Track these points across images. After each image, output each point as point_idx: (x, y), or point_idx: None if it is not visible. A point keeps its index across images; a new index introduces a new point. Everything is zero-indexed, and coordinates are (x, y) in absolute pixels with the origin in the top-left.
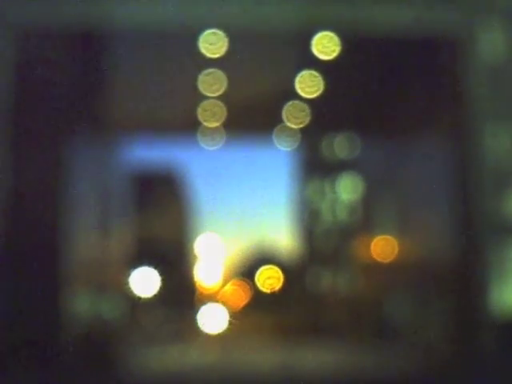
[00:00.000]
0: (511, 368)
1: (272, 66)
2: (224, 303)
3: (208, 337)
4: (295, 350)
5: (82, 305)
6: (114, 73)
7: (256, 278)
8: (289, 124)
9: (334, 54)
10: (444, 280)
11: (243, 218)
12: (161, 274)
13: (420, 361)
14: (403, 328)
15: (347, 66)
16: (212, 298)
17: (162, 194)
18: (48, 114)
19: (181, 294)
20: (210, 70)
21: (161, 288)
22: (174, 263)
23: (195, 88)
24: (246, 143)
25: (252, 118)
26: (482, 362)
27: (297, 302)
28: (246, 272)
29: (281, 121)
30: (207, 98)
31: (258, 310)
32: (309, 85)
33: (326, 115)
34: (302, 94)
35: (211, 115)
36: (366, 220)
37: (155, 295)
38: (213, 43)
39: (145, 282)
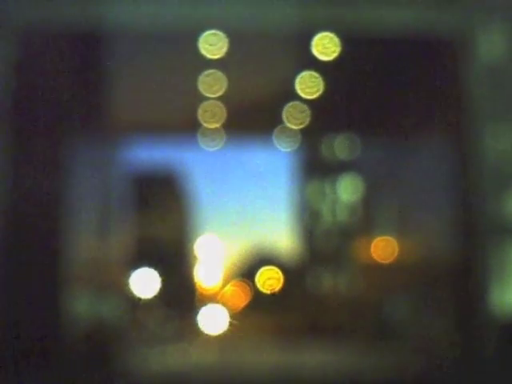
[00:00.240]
0: (511, 368)
1: (272, 67)
2: (224, 304)
3: (208, 337)
4: (295, 351)
5: (82, 305)
6: (114, 74)
7: (256, 279)
8: (289, 125)
9: (334, 55)
10: (444, 281)
11: (243, 219)
12: (161, 275)
13: (420, 361)
14: (403, 329)
15: (347, 66)
16: (212, 298)
17: (163, 195)
18: (48, 115)
19: (181, 294)
20: (210, 71)
21: (161, 289)
22: (175, 264)
23: (195, 89)
24: (246, 144)
25: (252, 119)
26: (482, 362)
27: (297, 303)
28: (246, 273)
29: (281, 121)
30: (207, 98)
31: (258, 310)
32: (309, 85)
33: (326, 116)
34: (302, 95)
35: (211, 116)
36: (366, 221)
37: (155, 296)
38: (213, 44)
39: (145, 282)
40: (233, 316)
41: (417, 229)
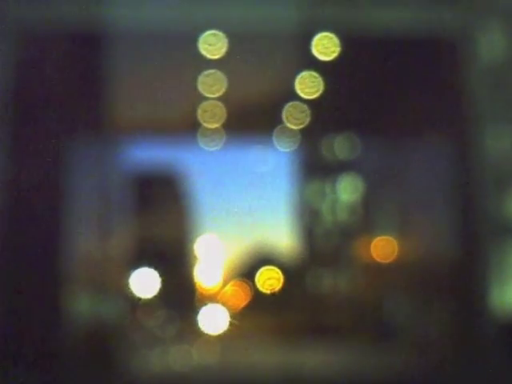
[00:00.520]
0: (511, 368)
1: (272, 67)
2: (224, 304)
3: (208, 337)
4: (295, 351)
5: (81, 305)
6: (113, 73)
7: (256, 279)
8: (289, 125)
9: (334, 55)
10: (444, 280)
11: (243, 219)
12: (161, 275)
13: (420, 361)
14: (403, 328)
15: (347, 66)
16: (212, 298)
17: (162, 195)
18: (48, 115)
19: (181, 294)
20: (210, 71)
21: (161, 289)
22: (175, 264)
23: (195, 89)
24: (246, 144)
25: (252, 119)
26: (482, 362)
27: (297, 303)
28: (246, 273)
29: (281, 122)
30: (207, 99)
31: (258, 310)
32: (309, 86)
33: (326, 116)
34: (302, 95)
35: (211, 116)
36: (366, 221)
37: (155, 296)
38: (213, 44)
39: (145, 282)
40: (233, 316)
41: (417, 229)
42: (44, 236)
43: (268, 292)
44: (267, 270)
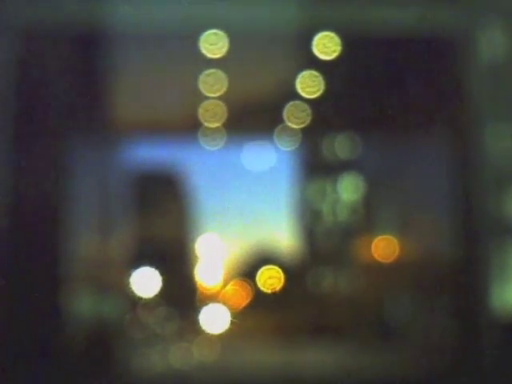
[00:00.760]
0: (511, 368)
1: (273, 67)
2: (225, 303)
3: (209, 337)
4: (296, 350)
5: (82, 305)
6: (114, 73)
7: (257, 279)
8: (290, 124)
9: (335, 54)
10: (445, 280)
11: (244, 219)
12: (162, 275)
13: (421, 361)
14: (404, 328)
15: (348, 66)
16: (213, 298)
17: (163, 195)
18: (48, 114)
19: (182, 294)
20: (211, 71)
21: (162, 288)
22: (175, 263)
23: (196, 88)
24: (246, 143)
25: (253, 119)
26: (482, 362)
27: (298, 302)
28: (247, 272)
29: (282, 121)
30: (208, 98)
31: (258, 310)
32: (310, 85)
33: (326, 115)
34: (303, 94)
35: (212, 115)
36: (367, 220)
37: (156, 295)
38: (213, 43)
39: (146, 282)
40: (234, 315)
41: (418, 228)
42: (44, 235)
43: (269, 291)
44: (268, 269)
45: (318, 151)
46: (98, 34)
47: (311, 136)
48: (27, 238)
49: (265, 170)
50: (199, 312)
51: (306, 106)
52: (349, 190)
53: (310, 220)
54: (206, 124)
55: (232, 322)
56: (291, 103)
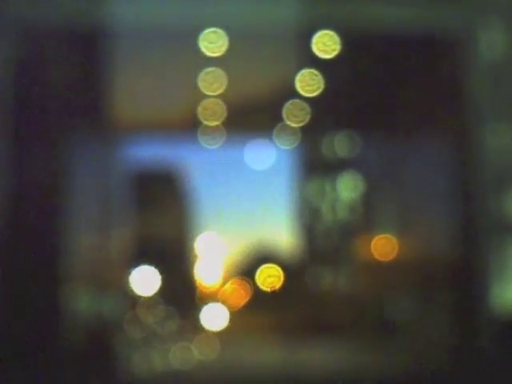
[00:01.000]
0: (511, 368)
1: (272, 65)
2: (224, 302)
3: (208, 335)
4: (296, 349)
5: (81, 303)
6: (113, 71)
7: (256, 277)
8: (289, 123)
9: (335, 53)
10: (444, 279)
11: (243, 217)
12: (161, 273)
13: (420, 360)
14: (403, 326)
15: (347, 64)
16: (212, 297)
17: (162, 193)
18: (48, 113)
19: (181, 292)
20: (211, 69)
21: (161, 287)
22: (175, 262)
23: (195, 87)
24: (246, 142)
25: (252, 117)
26: (482, 362)
27: (297, 301)
28: (247, 271)
29: (281, 119)
30: (207, 96)
31: (258, 308)
32: (309, 83)
33: (326, 114)
34: (303, 93)
35: (211, 114)
36: (366, 219)
37: (156, 294)
38: (213, 42)
39: (145, 280)
40: (233, 314)
41: (417, 227)
42: (44, 234)
43: (268, 290)
44: (267, 267)
45: (317, 150)
46: (98, 33)
47: (310, 134)
48: (27, 237)
49: (264, 168)
50: (198, 310)
51: (305, 105)
52: (348, 188)
53: (309, 219)
54: (205, 122)
55: (231, 321)
56: (290, 102)
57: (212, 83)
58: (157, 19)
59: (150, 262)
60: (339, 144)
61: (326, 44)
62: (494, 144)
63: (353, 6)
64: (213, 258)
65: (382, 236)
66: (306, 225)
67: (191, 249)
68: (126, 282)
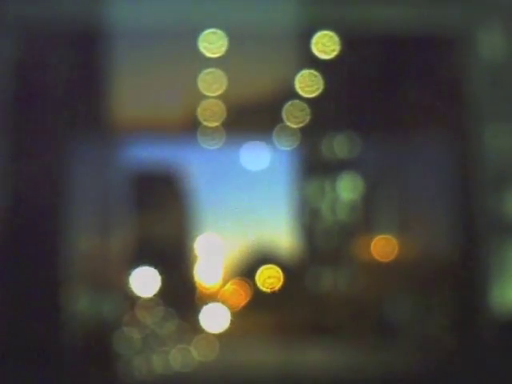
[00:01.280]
0: (511, 368)
1: (272, 66)
2: (224, 303)
3: (208, 336)
4: (296, 349)
5: (81, 304)
6: (113, 72)
7: (256, 278)
8: (288, 123)
9: (334, 54)
10: (444, 279)
11: (243, 218)
12: (161, 274)
13: (420, 360)
14: (403, 327)
15: (347, 65)
16: (212, 297)
17: (162, 194)
18: (48, 114)
19: (181, 293)
20: (210, 70)
21: (161, 288)
22: (175, 263)
23: (195, 87)
24: (245, 143)
25: (252, 118)
26: (482, 362)
27: (297, 302)
28: (246, 271)
29: (281, 120)
30: (207, 97)
31: (258, 309)
32: (309, 84)
33: (325, 115)
34: (302, 94)
35: (211, 115)
36: (366, 219)
37: (155, 295)
38: (212, 43)
39: (145, 281)
40: (233, 315)
41: (417, 228)
42: (44, 235)
43: (268, 291)
44: (267, 268)
45: (316, 150)
46: (97, 33)
47: (310, 135)
48: (27, 237)
49: (264, 169)
50: (198, 311)
51: (304, 106)
52: (348, 189)
53: (309, 219)
54: (204, 123)
55: (231, 322)
56: (290, 102)
57: (212, 84)
58: (156, 20)
59: (150, 263)
60: (339, 145)
61: (325, 45)
62: (494, 144)
63: (352, 6)
64: (213, 259)
65: (381, 236)
66: (305, 226)
67: (191, 250)
68: (126, 283)
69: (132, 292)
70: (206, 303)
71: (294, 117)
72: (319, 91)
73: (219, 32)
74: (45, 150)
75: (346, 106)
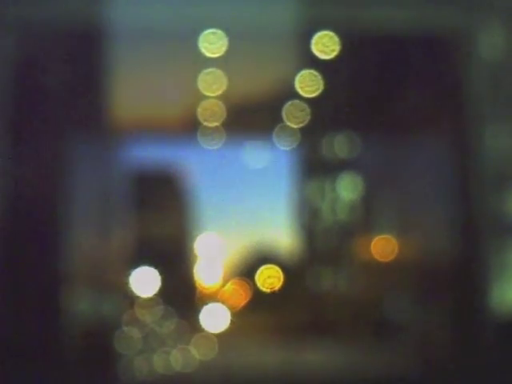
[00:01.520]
0: (511, 368)
1: (272, 66)
2: (224, 303)
3: (208, 336)
4: (295, 349)
5: (81, 304)
6: (113, 72)
7: (256, 278)
8: (289, 123)
9: (334, 54)
10: (444, 279)
11: (243, 218)
12: (161, 274)
13: (420, 360)
14: (403, 327)
15: (347, 65)
16: (212, 297)
17: (162, 194)
18: (48, 114)
19: (181, 293)
20: (210, 70)
21: (161, 287)
22: (175, 263)
23: (195, 87)
24: (245, 143)
25: (252, 118)
26: (482, 362)
27: (297, 302)
28: (246, 271)
29: (281, 120)
30: (207, 97)
31: (258, 309)
32: (309, 84)
33: (325, 115)
34: (302, 94)
35: (211, 115)
36: (366, 219)
37: (155, 295)
38: (212, 43)
39: (145, 281)
40: (233, 315)
41: (417, 228)
42: (43, 234)
43: (268, 291)
44: (267, 268)
45: (317, 150)
46: (97, 33)
47: (310, 135)
48: (27, 236)
49: (264, 169)
50: (198, 311)
51: (305, 106)
52: (348, 189)
53: (309, 219)
54: (204, 123)
55: (231, 322)
56: (290, 102)
57: (212, 84)
58: (156, 20)
59: (150, 263)
60: (339, 145)
61: (325, 45)
62: (494, 144)
63: (352, 6)
64: (212, 259)
65: (381, 236)
66: (305, 226)
67: (191, 249)
68: (126, 283)
69: (132, 292)
70: (206, 303)
71: (294, 117)
72: (319, 91)
73: (219, 32)
74: (44, 150)
75: (346, 106)
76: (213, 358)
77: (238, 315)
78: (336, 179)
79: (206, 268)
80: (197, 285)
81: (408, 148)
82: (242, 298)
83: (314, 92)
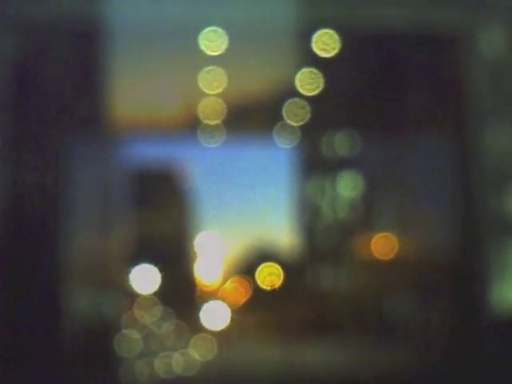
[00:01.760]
0: (511, 368)
1: (272, 64)
2: (224, 300)
3: (208, 334)
4: (296, 347)
5: (81, 303)
6: (112, 70)
7: (256, 275)
8: (289, 121)
9: (335, 52)
10: (444, 278)
11: (243, 216)
12: (161, 272)
13: (420, 359)
14: (403, 326)
15: (347, 63)
16: (212, 295)
17: (162, 192)
18: (47, 113)
19: (181, 291)
20: (210, 68)
21: (161, 285)
22: (175, 260)
23: (195, 85)
24: (246, 141)
25: (252, 116)
26: (482, 362)
27: (297, 299)
28: (246, 269)
29: (281, 118)
30: (207, 95)
31: (258, 307)
32: (309, 82)
33: (326, 113)
34: (302, 92)
35: (211, 113)
36: (366, 217)
37: (155, 292)
38: (213, 41)
39: (145, 279)
40: (233, 312)
41: (417, 226)
42: (43, 234)
43: (268, 288)
44: (267, 266)
45: (317, 149)
46: (97, 32)
47: (310, 133)
48: (26, 236)
49: (264, 167)
50: (198, 309)
51: (305, 104)
52: (348, 187)
53: (309, 217)
54: (205, 121)
55: (231, 319)
56: (290, 101)
57: (212, 82)
58: (156, 18)
59: (150, 261)
60: (339, 143)
61: (326, 43)
62: (494, 144)
63: (353, 4)
64: (213, 257)
65: (381, 235)
66: (305, 223)
67: (191, 247)
68: (126, 281)
69: (132, 290)
70: (207, 301)
71: (295, 115)
72: (319, 89)
73: (219, 30)
74: (44, 149)
75: (347, 105)
76: (213, 357)
77: (238, 313)
78: (336, 177)
79: (206, 266)
80: (197, 282)
81: (408, 146)
82: (242, 295)
83: (314, 90)
